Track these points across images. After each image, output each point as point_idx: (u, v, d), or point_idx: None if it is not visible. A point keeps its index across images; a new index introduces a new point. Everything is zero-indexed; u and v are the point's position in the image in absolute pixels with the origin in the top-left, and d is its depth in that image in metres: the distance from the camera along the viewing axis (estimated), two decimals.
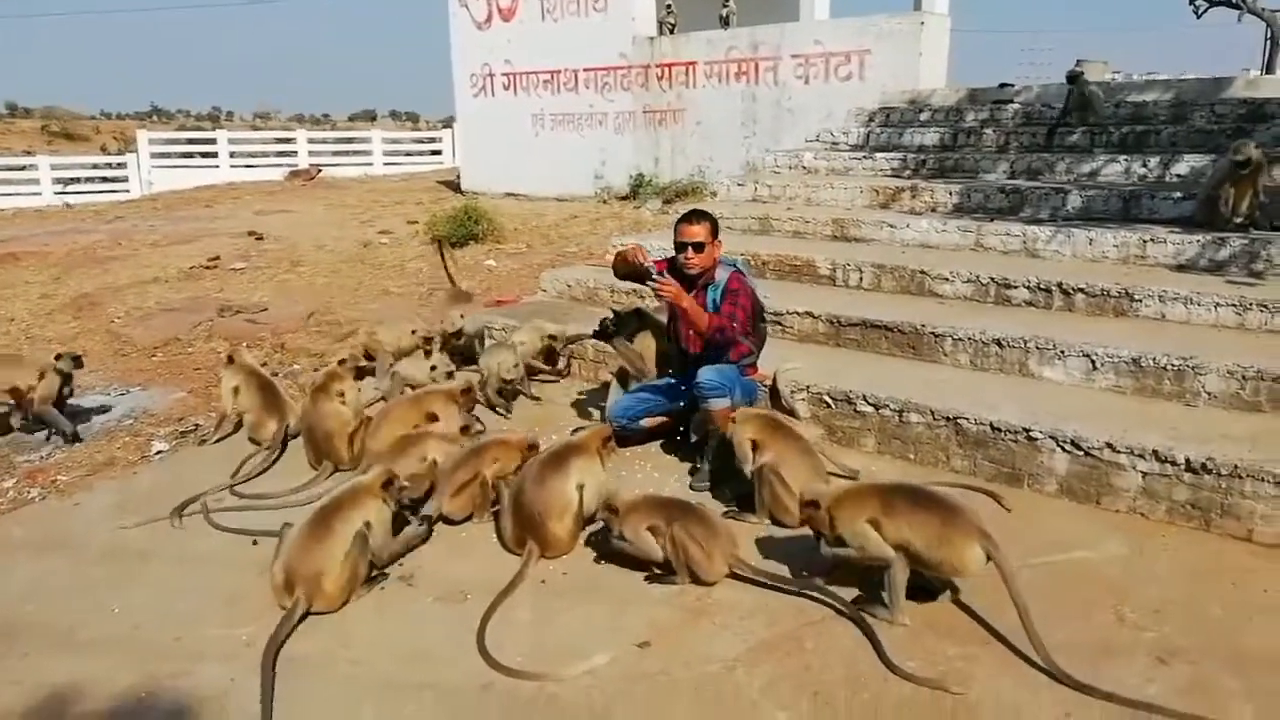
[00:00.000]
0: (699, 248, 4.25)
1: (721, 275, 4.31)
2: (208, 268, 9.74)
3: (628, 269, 4.35)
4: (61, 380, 5.26)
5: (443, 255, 6.38)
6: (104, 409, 5.66)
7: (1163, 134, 7.15)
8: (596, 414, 5.05)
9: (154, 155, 21.35)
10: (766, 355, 4.73)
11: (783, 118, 11.18)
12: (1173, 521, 3.65)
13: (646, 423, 4.64)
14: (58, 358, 5.30)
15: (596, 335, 4.98)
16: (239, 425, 5.00)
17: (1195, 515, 3.61)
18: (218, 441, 4.95)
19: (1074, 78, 7.52)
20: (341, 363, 4.97)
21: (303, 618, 3.16)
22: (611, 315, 4.93)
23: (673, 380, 4.59)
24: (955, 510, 2.99)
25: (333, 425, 4.49)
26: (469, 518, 3.89)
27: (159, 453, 4.94)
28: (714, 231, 4.30)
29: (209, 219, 13.33)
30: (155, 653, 3.03)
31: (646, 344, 4.81)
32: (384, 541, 3.46)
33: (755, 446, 3.77)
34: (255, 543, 3.71)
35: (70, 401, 5.42)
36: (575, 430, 4.37)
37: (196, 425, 5.31)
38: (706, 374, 4.10)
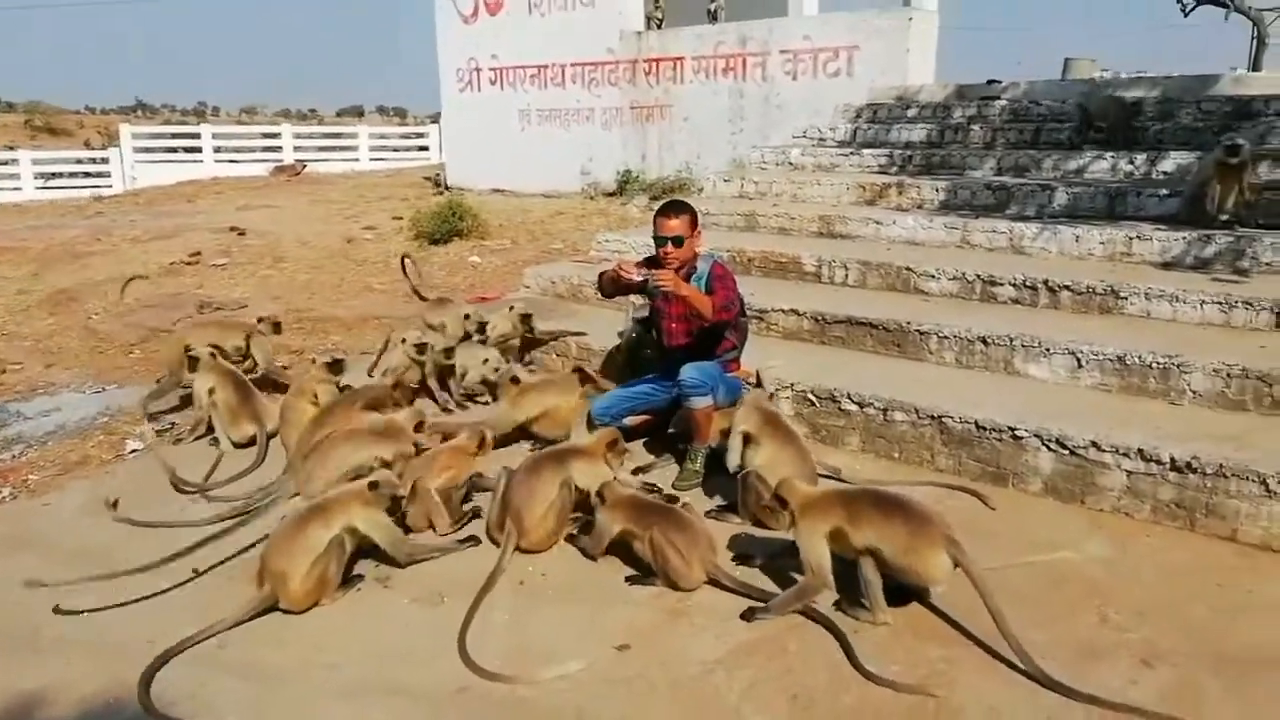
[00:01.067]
0: (678, 242, 4.22)
1: (703, 266, 4.29)
2: (188, 264, 9.66)
3: (616, 288, 4.33)
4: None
5: (406, 270, 6.22)
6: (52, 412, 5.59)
7: (1150, 131, 7.14)
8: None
9: (137, 150, 21.14)
10: (750, 353, 4.70)
11: (771, 114, 11.14)
12: (1157, 521, 3.63)
13: (630, 421, 4.60)
14: (259, 321, 5.75)
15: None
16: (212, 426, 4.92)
17: (1180, 515, 3.59)
18: (195, 440, 4.88)
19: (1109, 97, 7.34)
20: (328, 365, 4.88)
21: (266, 612, 3.15)
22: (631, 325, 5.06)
23: (655, 378, 4.55)
24: (922, 518, 2.97)
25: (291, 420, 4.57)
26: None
27: (133, 451, 4.87)
28: (693, 223, 4.27)
29: (191, 214, 13.22)
30: (125, 656, 2.97)
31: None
32: (393, 539, 3.42)
33: (748, 440, 3.74)
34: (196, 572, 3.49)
35: (42, 401, 5.38)
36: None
37: (173, 424, 5.24)
38: (688, 372, 4.06)
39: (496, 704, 2.71)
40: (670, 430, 4.48)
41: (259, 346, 5.59)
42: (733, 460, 3.78)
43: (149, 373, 6.31)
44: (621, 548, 3.45)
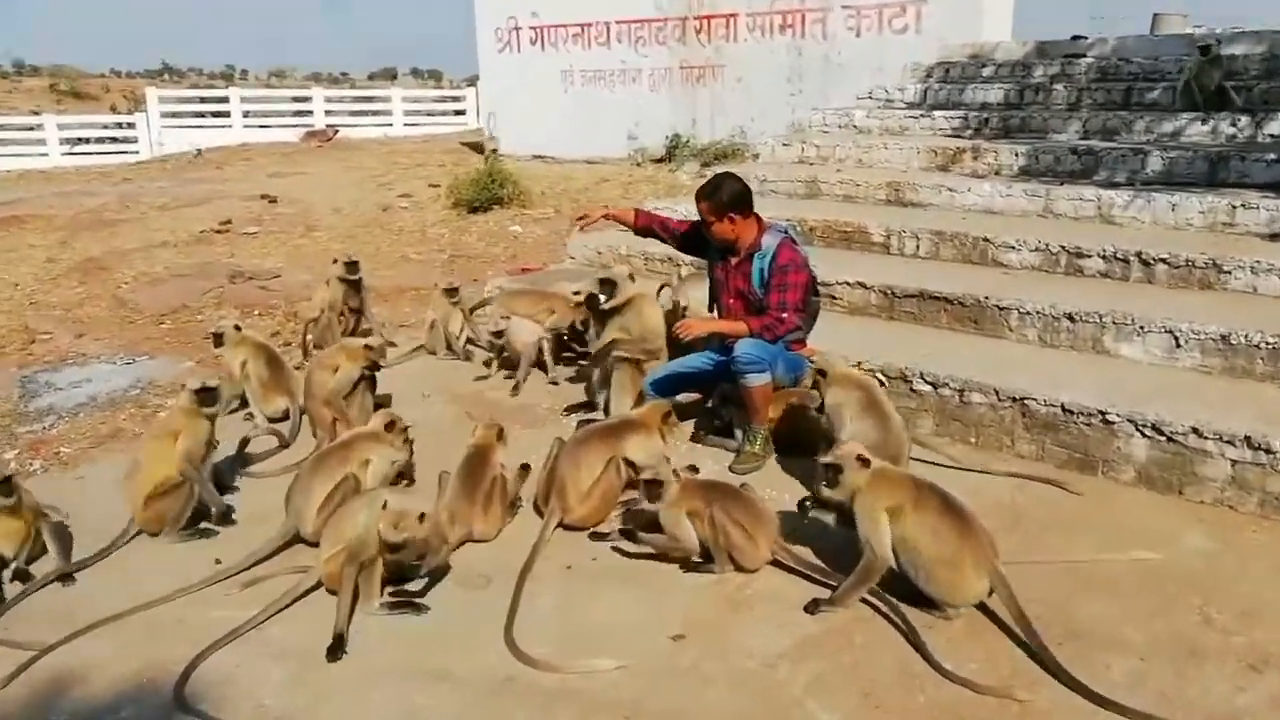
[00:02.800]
0: (710, 225, 4.19)
1: (769, 242, 4.18)
2: (219, 232, 9.80)
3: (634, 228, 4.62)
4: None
5: (305, 343, 5.77)
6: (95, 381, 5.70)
7: (1254, 90, 6.86)
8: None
9: (164, 115, 21.48)
10: (816, 330, 4.63)
11: (832, 73, 10.92)
12: (1265, 515, 3.51)
13: (682, 398, 4.56)
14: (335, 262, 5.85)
15: (586, 304, 4.77)
16: (244, 401, 4.95)
17: None
18: (230, 414, 4.94)
19: (1206, 49, 6.73)
20: (366, 347, 4.84)
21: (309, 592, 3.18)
22: (600, 283, 4.62)
23: (713, 351, 4.48)
24: (977, 535, 2.93)
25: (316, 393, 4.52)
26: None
27: None
28: (715, 210, 4.15)
29: (220, 181, 13.41)
30: (158, 633, 3.02)
31: (642, 317, 4.59)
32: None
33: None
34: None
35: (72, 372, 5.49)
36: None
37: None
38: (744, 347, 4.00)
39: (545, 694, 2.71)
40: (709, 404, 4.41)
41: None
42: (844, 432, 3.67)
43: (180, 344, 6.43)
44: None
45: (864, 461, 3.08)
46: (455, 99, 26.25)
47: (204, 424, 3.78)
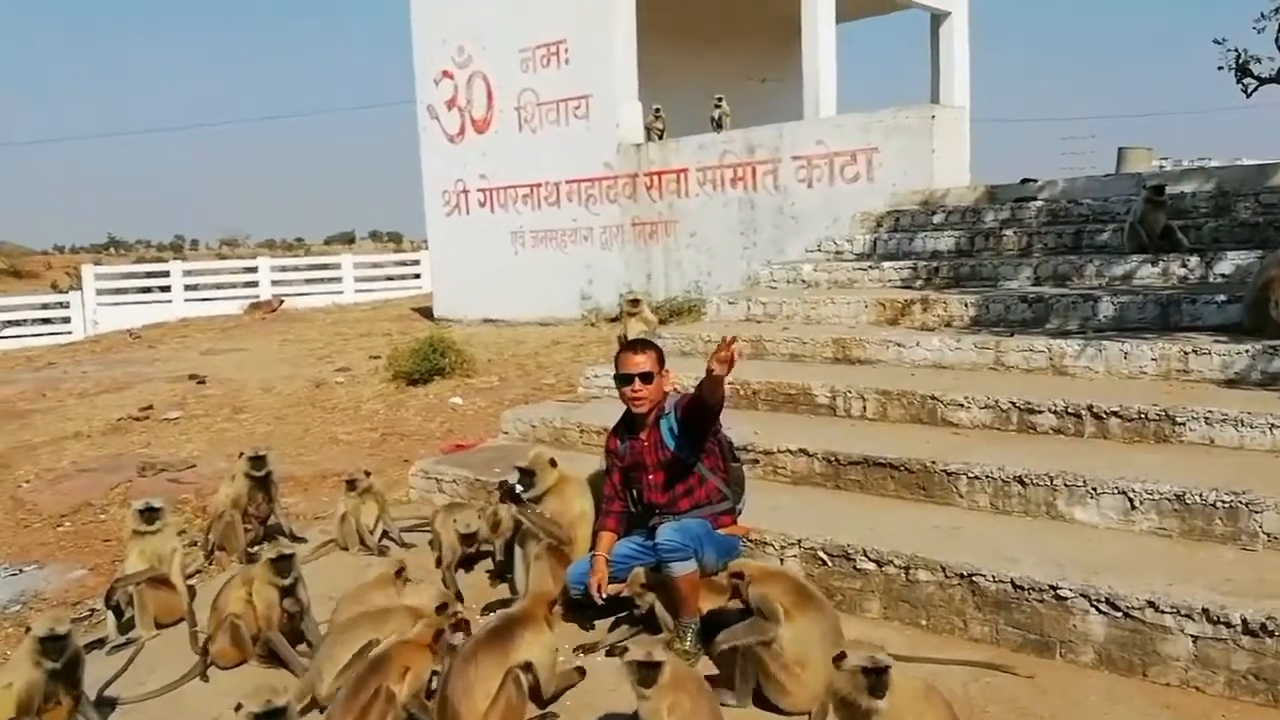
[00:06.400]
0: (647, 378, 4.26)
1: (670, 403, 4.35)
2: (138, 419, 9.78)
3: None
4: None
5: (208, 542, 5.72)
6: None
7: (1204, 229, 7.16)
8: None
9: (100, 292, 21.86)
10: (753, 503, 4.62)
11: (785, 225, 11.35)
12: (1234, 696, 3.41)
13: (611, 588, 4.47)
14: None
15: (503, 496, 4.79)
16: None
17: (1261, 688, 3.36)
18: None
19: (1155, 189, 6.99)
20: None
21: None
22: (517, 472, 4.64)
23: (639, 538, 4.43)
24: None
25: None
26: None
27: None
28: (660, 360, 4.36)
29: (148, 362, 13.52)
30: None
31: (563, 504, 4.58)
32: None
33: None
34: None
35: None
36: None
37: (92, 610, 5.17)
38: (666, 533, 3.97)
39: None
40: (623, 593, 4.31)
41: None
42: (774, 629, 3.57)
43: (76, 549, 6.29)
44: None
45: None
46: (411, 262, 26.91)
47: (39, 675, 3.55)
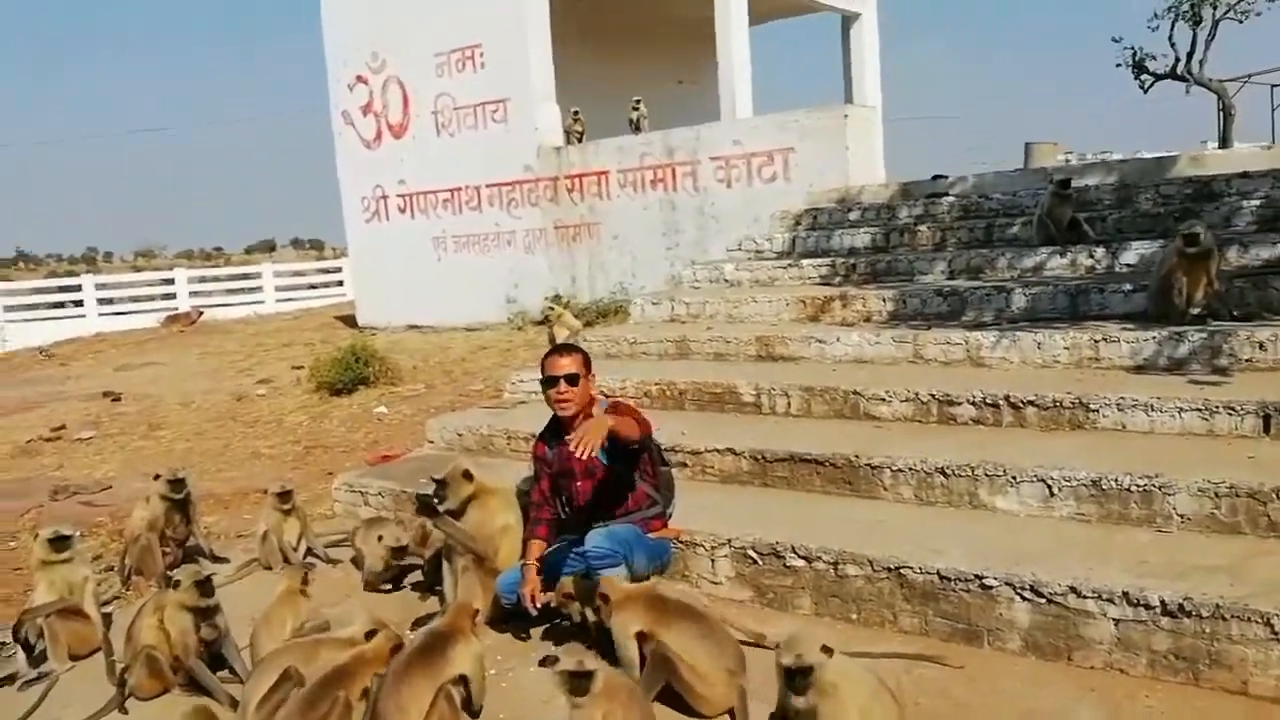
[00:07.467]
0: (573, 380, 4.17)
1: (599, 409, 4.24)
2: (49, 440, 9.35)
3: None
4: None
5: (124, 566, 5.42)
6: None
7: (1108, 220, 7.32)
8: None
9: (9, 309, 20.97)
10: (683, 504, 4.55)
11: (707, 225, 11.35)
12: (1156, 677, 3.44)
13: (544, 596, 4.36)
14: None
15: (420, 511, 4.64)
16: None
17: (1181, 667, 3.40)
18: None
19: (1059, 183, 7.17)
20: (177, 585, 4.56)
21: None
22: (434, 484, 4.51)
23: (571, 543, 4.33)
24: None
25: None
26: None
27: None
28: (587, 364, 4.29)
29: (61, 380, 12.97)
30: None
31: (485, 516, 4.46)
32: None
33: (643, 638, 3.54)
34: None
35: None
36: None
37: (1, 644, 4.87)
38: (595, 540, 3.90)
39: None
40: (551, 603, 4.20)
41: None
42: (633, 671, 3.55)
43: None
44: None
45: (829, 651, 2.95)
46: (333, 270, 26.37)
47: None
